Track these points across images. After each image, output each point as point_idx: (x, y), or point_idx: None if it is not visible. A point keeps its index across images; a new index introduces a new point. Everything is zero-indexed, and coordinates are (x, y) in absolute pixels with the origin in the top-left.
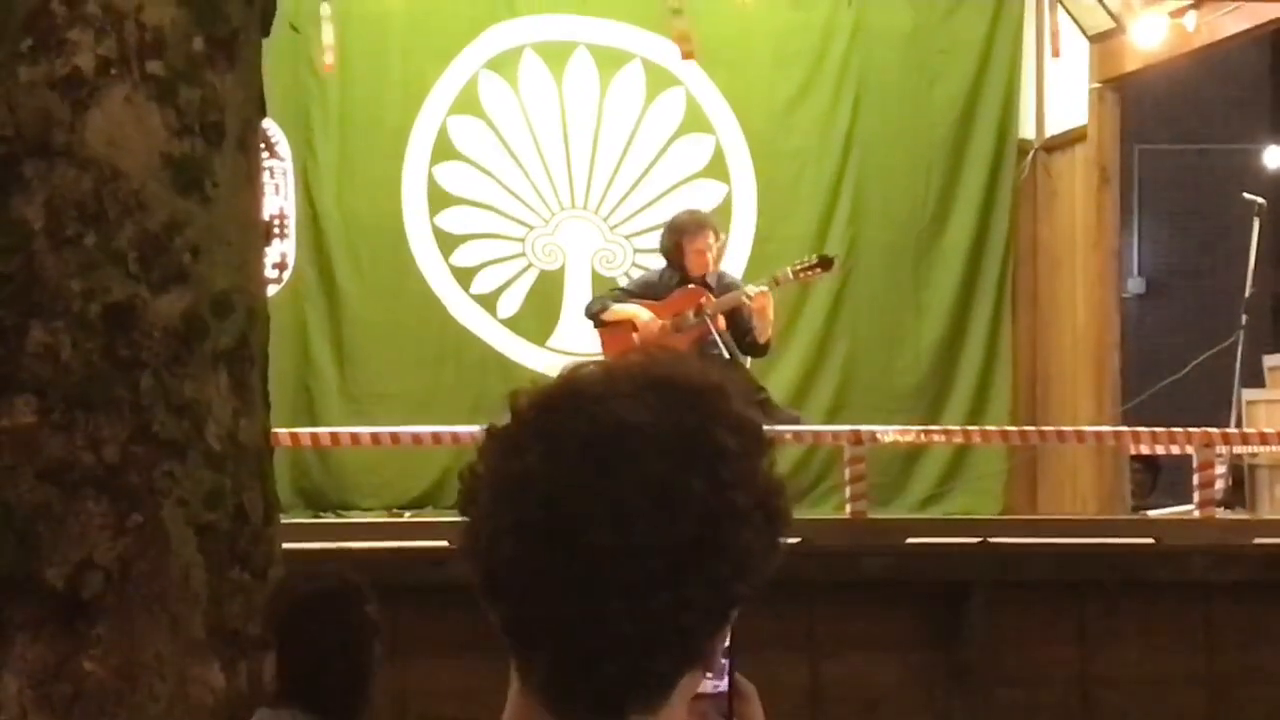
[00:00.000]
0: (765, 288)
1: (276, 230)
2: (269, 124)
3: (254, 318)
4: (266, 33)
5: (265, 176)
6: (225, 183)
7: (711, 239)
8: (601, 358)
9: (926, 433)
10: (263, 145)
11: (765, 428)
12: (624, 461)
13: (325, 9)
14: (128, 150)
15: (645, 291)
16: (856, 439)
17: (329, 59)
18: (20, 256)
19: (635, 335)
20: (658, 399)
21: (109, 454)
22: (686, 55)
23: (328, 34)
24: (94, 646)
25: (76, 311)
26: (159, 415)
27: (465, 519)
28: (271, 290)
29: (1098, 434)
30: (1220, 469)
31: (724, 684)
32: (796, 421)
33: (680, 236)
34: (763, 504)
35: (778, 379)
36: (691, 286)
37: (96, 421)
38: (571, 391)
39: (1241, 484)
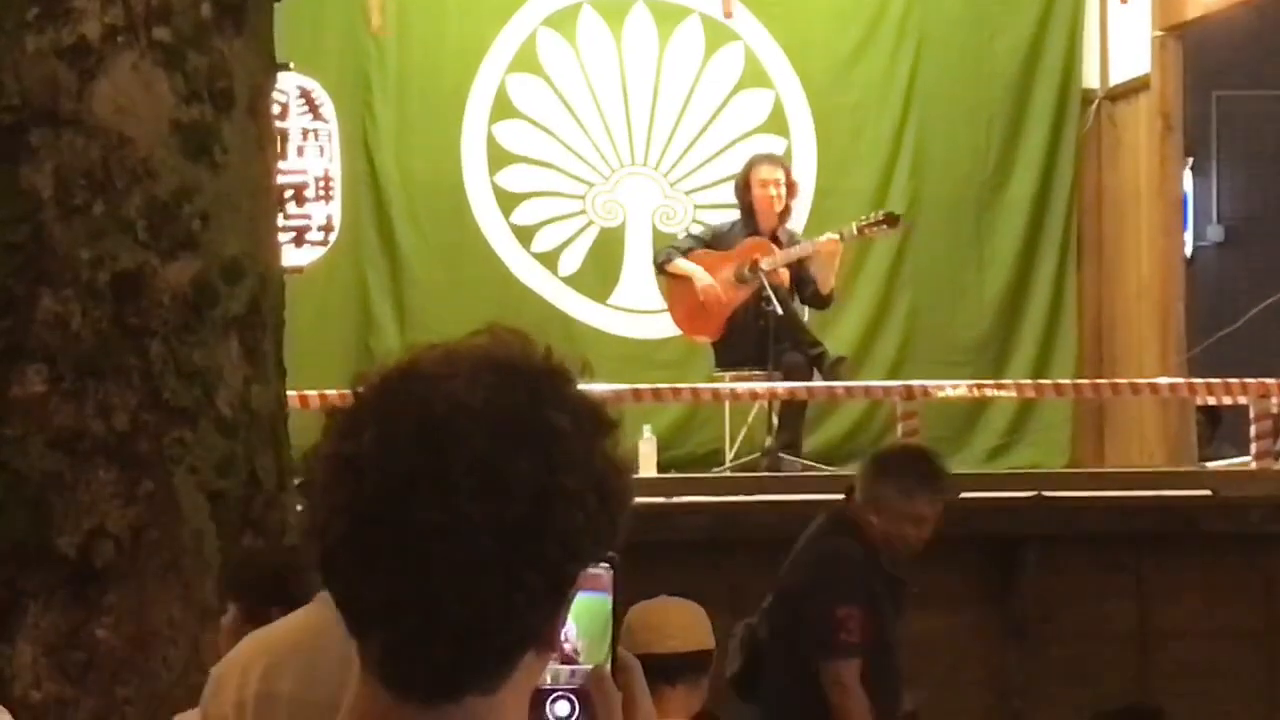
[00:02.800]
0: (837, 236)
1: (322, 193)
2: (314, 86)
3: (266, 284)
4: None
5: (310, 139)
6: (235, 149)
7: (780, 175)
8: (662, 313)
9: (980, 387)
10: (307, 107)
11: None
12: (454, 442)
13: None
14: (136, 118)
15: (714, 242)
16: (909, 394)
17: (376, 21)
18: (29, 226)
19: (697, 290)
20: (494, 380)
21: (119, 422)
22: (727, 13)
23: None
24: (106, 614)
25: (86, 280)
26: (169, 383)
27: (304, 502)
28: (319, 253)
29: (1152, 385)
30: None
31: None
32: (843, 364)
33: (750, 169)
34: (597, 486)
35: (840, 334)
36: (756, 239)
37: (106, 389)
38: (408, 372)
39: None
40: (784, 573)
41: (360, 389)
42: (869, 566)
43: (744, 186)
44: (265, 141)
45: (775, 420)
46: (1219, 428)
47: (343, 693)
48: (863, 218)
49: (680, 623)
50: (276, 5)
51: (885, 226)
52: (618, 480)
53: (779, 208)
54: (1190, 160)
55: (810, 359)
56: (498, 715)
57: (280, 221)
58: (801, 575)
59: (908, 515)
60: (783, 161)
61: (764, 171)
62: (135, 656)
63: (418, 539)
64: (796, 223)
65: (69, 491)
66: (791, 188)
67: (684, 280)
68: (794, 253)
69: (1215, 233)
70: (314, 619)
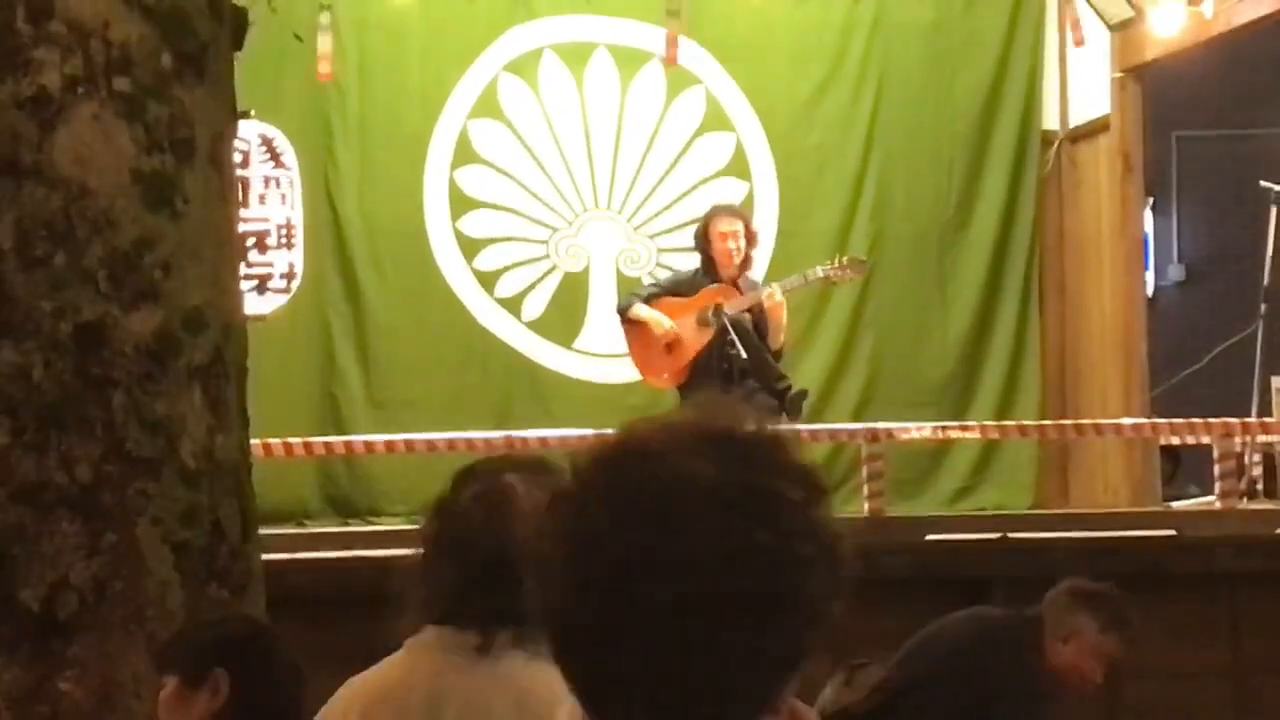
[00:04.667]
0: (777, 292)
1: (284, 240)
2: (276, 134)
3: (229, 333)
4: (239, 46)
5: (272, 186)
6: (196, 198)
7: (740, 227)
8: (627, 357)
9: (944, 429)
10: (268, 155)
11: (789, 428)
12: (689, 517)
13: (324, 18)
14: (96, 168)
15: (675, 289)
16: (873, 437)
17: (324, 68)
18: None
19: (657, 334)
20: (717, 453)
21: (82, 473)
22: (670, 60)
23: (324, 43)
24: (70, 667)
25: (47, 331)
26: (132, 433)
27: (534, 582)
28: (282, 300)
29: (1117, 426)
30: (1255, 457)
31: None
32: (802, 397)
33: (709, 220)
34: (826, 552)
35: (804, 375)
36: (718, 286)
37: (69, 441)
38: (633, 449)
39: (1274, 473)
40: (944, 654)
41: (581, 467)
42: (1047, 691)
43: (704, 237)
44: (227, 190)
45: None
46: (1180, 467)
47: None
48: (829, 262)
49: None
50: (237, 54)
51: (850, 272)
52: (841, 544)
53: (737, 259)
54: (1151, 200)
55: (779, 396)
56: None
57: (243, 270)
58: (990, 679)
59: (1099, 651)
60: (742, 212)
61: (723, 224)
62: (100, 709)
63: (657, 615)
64: (760, 264)
65: (32, 544)
66: (751, 238)
67: (644, 327)
68: (750, 299)
69: (1176, 272)
70: (403, 666)
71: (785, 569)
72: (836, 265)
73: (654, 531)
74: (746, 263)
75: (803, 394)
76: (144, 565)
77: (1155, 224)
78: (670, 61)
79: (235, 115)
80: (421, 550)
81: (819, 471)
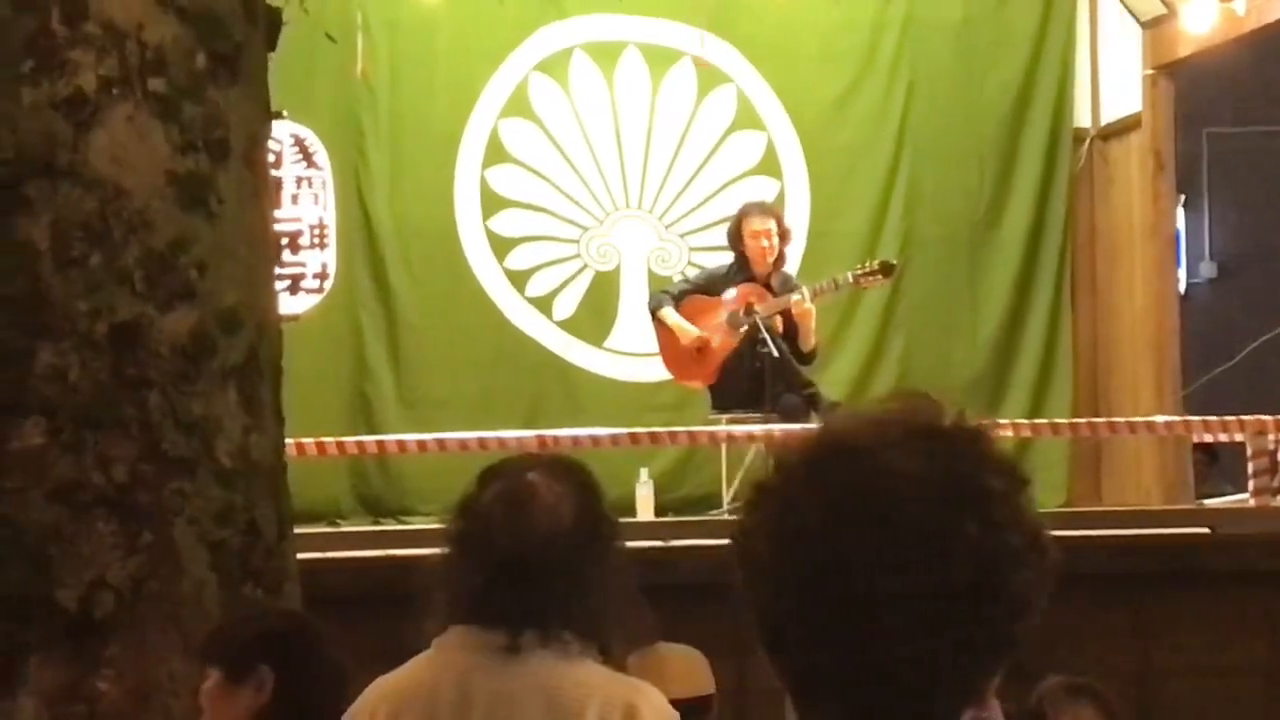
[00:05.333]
0: (806, 298)
1: (317, 240)
2: (308, 134)
3: (264, 332)
4: (272, 47)
5: (304, 187)
6: (231, 198)
7: (772, 225)
8: (658, 356)
9: None
10: (301, 155)
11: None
12: (900, 510)
13: (359, 17)
14: (131, 169)
15: (708, 286)
16: None
17: (361, 65)
18: (25, 278)
19: (683, 344)
20: (925, 447)
21: (118, 473)
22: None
23: (360, 42)
24: (107, 666)
25: (83, 332)
26: (168, 433)
27: (743, 578)
28: (315, 300)
29: (1149, 424)
30: None
31: None
32: (837, 409)
33: (741, 218)
34: (1032, 542)
35: (834, 375)
36: (749, 285)
37: (105, 441)
38: (840, 444)
39: None
40: None
41: (785, 463)
42: None
43: (736, 235)
44: (262, 190)
45: (772, 462)
46: (1216, 464)
47: None
48: (858, 266)
49: (680, 669)
50: (270, 54)
51: (880, 276)
52: (1046, 535)
53: (771, 257)
54: (1182, 197)
55: (806, 400)
56: None
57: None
58: None
59: None
60: (775, 209)
61: (755, 222)
62: (136, 709)
63: (871, 608)
64: (791, 265)
65: (68, 544)
66: (784, 235)
67: (672, 329)
68: (781, 302)
69: (1208, 269)
70: (430, 666)
71: (995, 560)
72: (866, 270)
73: (865, 526)
74: (780, 260)
75: (835, 405)
76: (180, 565)
77: (1186, 221)
78: (702, 66)
79: (269, 115)
80: (446, 550)
81: (1020, 464)
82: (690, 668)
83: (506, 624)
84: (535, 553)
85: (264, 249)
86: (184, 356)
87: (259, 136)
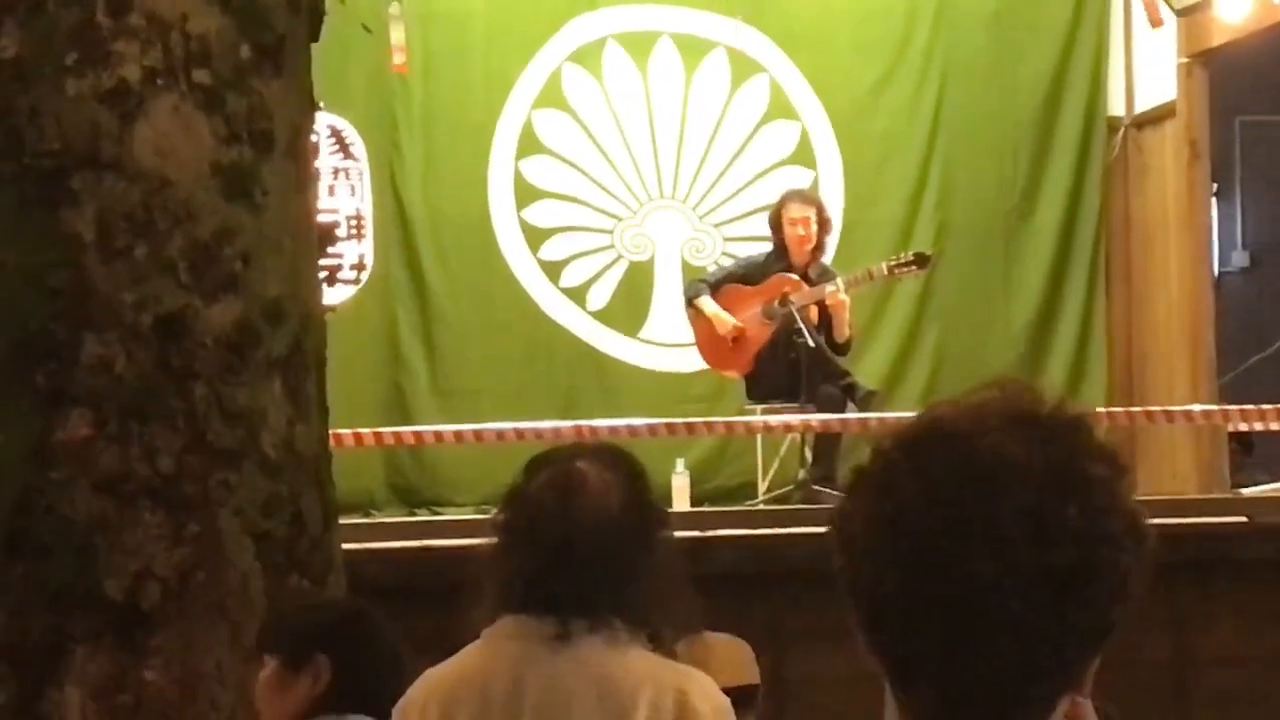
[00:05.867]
0: (841, 289)
1: (354, 231)
2: (345, 125)
3: (308, 324)
4: (315, 38)
5: (341, 178)
6: (275, 190)
7: (811, 214)
8: (692, 346)
9: None
10: (338, 146)
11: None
12: (1001, 494)
13: (394, 8)
14: (176, 160)
15: (746, 274)
16: None
17: (398, 59)
18: (71, 270)
19: (720, 333)
20: (1024, 433)
21: (164, 465)
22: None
23: (397, 34)
24: (154, 657)
25: (129, 323)
26: (213, 425)
27: (842, 561)
28: (351, 291)
29: (1187, 413)
30: None
31: None
32: (874, 398)
33: (781, 206)
34: (1132, 528)
35: (869, 365)
36: (785, 275)
37: (151, 432)
38: (939, 430)
39: None
40: None
41: (884, 449)
42: None
43: (776, 223)
44: (304, 182)
45: (809, 453)
46: (1250, 454)
47: None
48: (892, 258)
49: (725, 658)
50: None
51: (915, 268)
52: (1144, 520)
53: (808, 246)
54: (1215, 186)
55: (842, 391)
56: None
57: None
58: None
59: None
60: (815, 198)
61: (794, 210)
62: (183, 699)
63: (972, 590)
64: (827, 255)
65: (115, 535)
66: (824, 224)
67: (709, 318)
68: (816, 293)
69: (1240, 258)
70: (482, 656)
71: (1095, 544)
72: (901, 260)
73: (967, 510)
74: (819, 249)
75: (873, 394)
76: (226, 555)
77: (1219, 210)
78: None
79: (313, 107)
80: (495, 539)
81: (1119, 450)
82: (736, 657)
83: (556, 612)
84: (584, 539)
85: (307, 241)
86: (229, 348)
87: (302, 128)
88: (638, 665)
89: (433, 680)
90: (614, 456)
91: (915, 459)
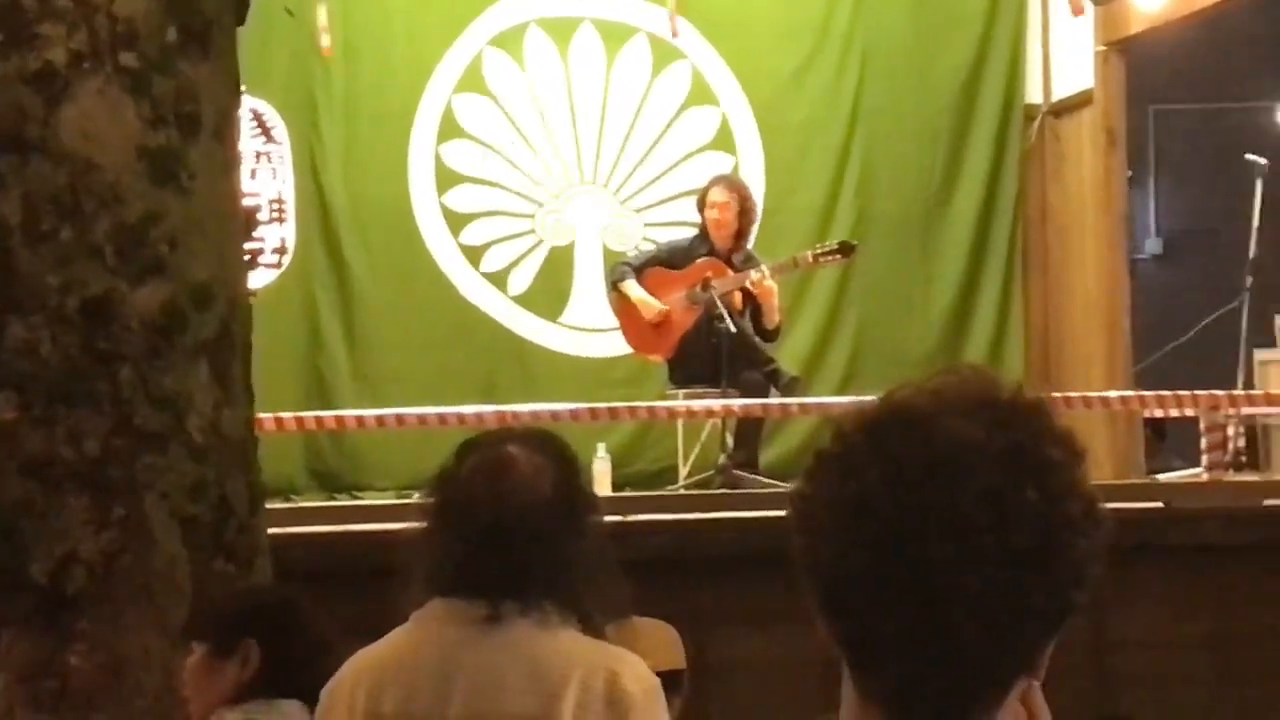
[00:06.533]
0: (767, 275)
1: (275, 214)
2: (267, 109)
3: (235, 308)
4: (241, 21)
5: (263, 161)
6: (202, 173)
7: (732, 200)
8: (613, 331)
9: None
10: (259, 130)
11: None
12: (961, 477)
13: None
14: (102, 143)
15: (671, 258)
16: None
17: (325, 41)
18: None
19: (645, 317)
20: (985, 416)
21: (90, 448)
22: (674, 33)
23: (321, 17)
24: (79, 641)
25: (54, 306)
26: (140, 408)
27: (801, 542)
28: (273, 275)
29: (1104, 399)
30: (1232, 430)
31: None
32: (797, 383)
33: (705, 189)
34: (1089, 512)
35: (790, 350)
36: (709, 259)
37: (77, 416)
38: (900, 413)
39: (1255, 444)
40: None
41: (844, 431)
42: None
43: (699, 204)
44: (231, 165)
45: (730, 438)
46: (1164, 441)
47: (440, 706)
48: (817, 246)
49: (652, 642)
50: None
51: (839, 256)
52: (1100, 505)
53: (725, 232)
54: (1129, 174)
55: (765, 376)
56: None
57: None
58: None
59: None
60: (740, 185)
61: (714, 194)
62: (109, 683)
63: (932, 573)
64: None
65: (40, 518)
66: (747, 212)
67: (634, 302)
68: (738, 279)
69: (1154, 245)
70: (412, 638)
71: (1055, 528)
72: (825, 249)
73: (926, 492)
74: (740, 236)
75: (795, 380)
76: (152, 539)
77: (1133, 197)
78: (674, 33)
79: (239, 90)
80: (424, 523)
81: (1076, 435)
82: (663, 641)
83: (486, 594)
84: (514, 522)
85: (233, 224)
86: (155, 331)
87: (229, 111)
88: (568, 647)
89: (361, 662)
90: (544, 441)
91: (876, 441)
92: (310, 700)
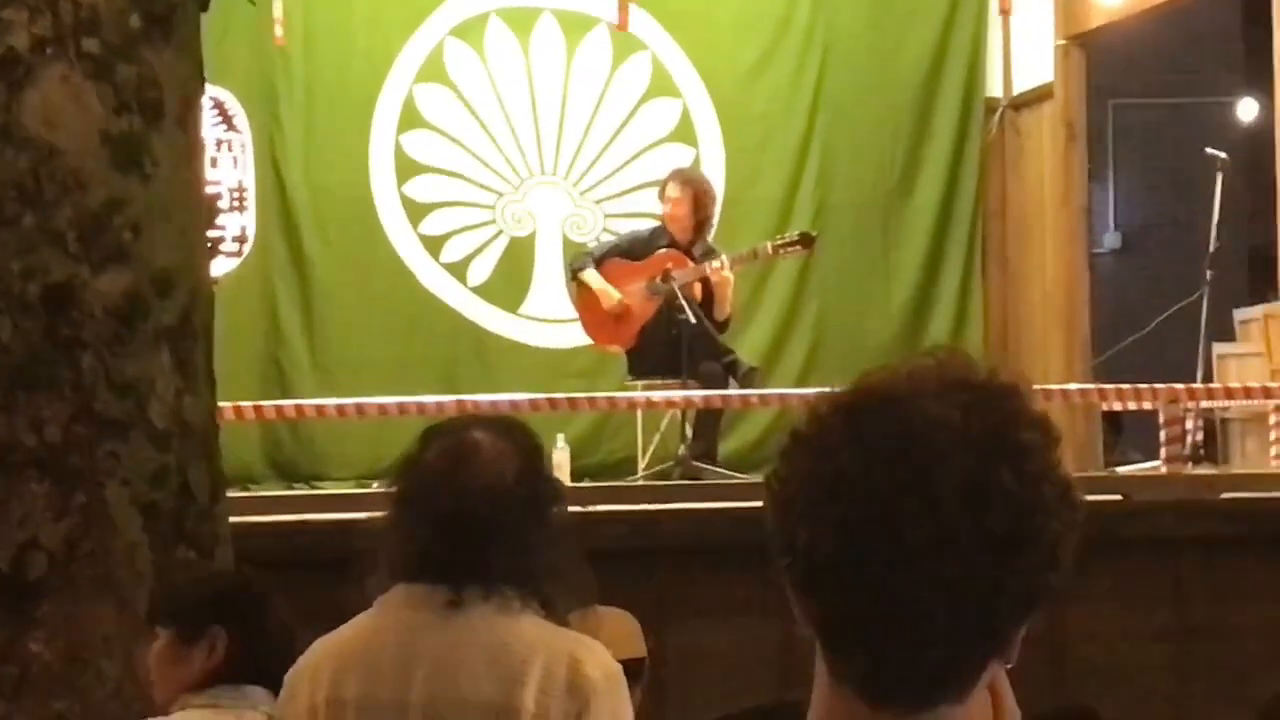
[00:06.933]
0: (726, 266)
1: (236, 203)
2: (227, 97)
3: (197, 295)
4: (205, 8)
5: (224, 150)
6: (165, 160)
7: (686, 195)
8: (573, 322)
9: None
10: (220, 118)
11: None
12: (937, 459)
13: None
14: (65, 129)
15: (631, 249)
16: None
17: (279, 31)
18: None
19: (604, 307)
20: (961, 398)
21: (51, 435)
22: (621, 25)
23: (277, 8)
24: (40, 628)
25: (16, 292)
26: (101, 395)
27: (775, 523)
28: (234, 263)
29: (1063, 391)
30: (1191, 423)
31: None
32: (755, 374)
33: (664, 182)
34: (1064, 495)
35: (749, 341)
36: (669, 251)
37: (38, 402)
38: (876, 394)
39: (1214, 437)
40: None
41: (820, 413)
42: None
43: (659, 195)
44: (194, 152)
45: (689, 429)
46: (1121, 434)
47: (402, 691)
48: (777, 238)
49: (614, 631)
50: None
51: (799, 248)
52: (1076, 489)
53: (681, 225)
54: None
55: (724, 368)
56: None
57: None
58: None
59: None
60: (697, 179)
61: (670, 188)
62: (69, 670)
63: (907, 554)
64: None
65: (1, 505)
66: (701, 207)
67: (594, 294)
68: (698, 270)
69: (1112, 240)
70: (374, 624)
71: (1030, 510)
72: (785, 240)
73: (902, 473)
74: (700, 229)
75: (754, 370)
76: (113, 526)
77: (1091, 192)
78: (621, 26)
79: (202, 78)
80: (388, 509)
81: (1050, 421)
82: (625, 630)
83: (449, 580)
84: (477, 507)
85: (196, 212)
86: (117, 318)
87: (192, 98)
88: (530, 632)
89: (324, 649)
90: (509, 427)
91: (852, 423)
92: (274, 686)
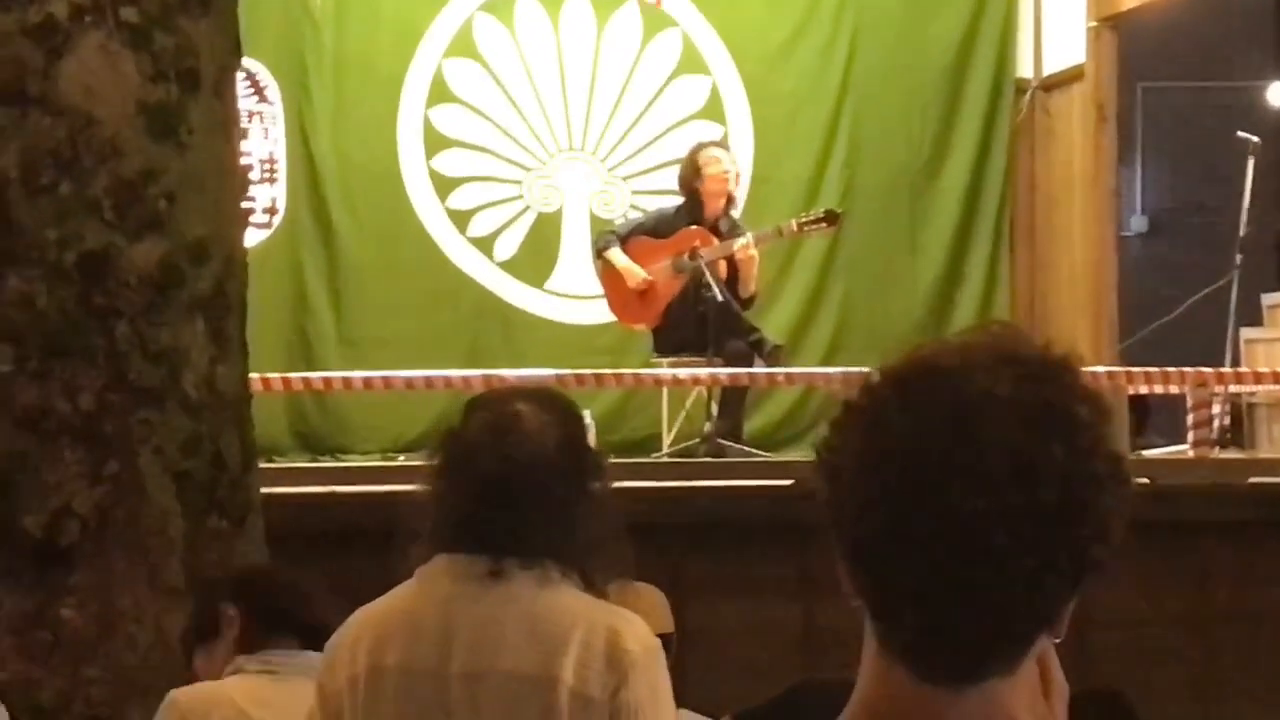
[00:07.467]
0: (752, 244)
1: (267, 175)
2: (259, 68)
3: (231, 265)
4: None
5: (255, 121)
6: (201, 129)
7: (733, 167)
8: (599, 299)
9: None
10: (252, 89)
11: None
12: (989, 431)
13: None
14: (102, 98)
15: (656, 227)
16: (848, 381)
17: (316, 1)
18: None
19: (630, 285)
20: (1012, 371)
21: (85, 402)
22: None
23: None
24: (72, 594)
25: (52, 260)
26: (135, 363)
27: (827, 493)
28: (263, 235)
29: (1091, 374)
30: (1217, 408)
31: None
32: (780, 351)
33: (699, 159)
34: (1114, 470)
35: (775, 320)
36: (695, 228)
37: (72, 370)
38: (928, 366)
39: (1240, 422)
40: None
41: (872, 384)
42: None
43: (692, 175)
44: (230, 123)
45: (714, 407)
46: (1149, 418)
47: (441, 660)
48: (802, 215)
49: (647, 605)
50: None
51: (824, 225)
52: (1126, 464)
53: (722, 201)
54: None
55: (749, 345)
56: (1014, 696)
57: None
58: None
59: None
60: (730, 151)
61: (713, 166)
62: (100, 636)
63: (956, 525)
64: (736, 210)
65: (35, 471)
66: (736, 176)
67: (619, 271)
68: (725, 247)
69: (1139, 223)
70: (414, 594)
71: (1079, 484)
72: (811, 217)
73: (953, 445)
74: (730, 202)
75: (779, 348)
76: (146, 494)
77: (1119, 175)
78: (655, 4)
79: (238, 48)
80: (430, 480)
81: (1103, 396)
82: (654, 604)
83: (489, 550)
84: (519, 477)
85: (231, 181)
86: (152, 287)
87: (228, 68)
88: (570, 604)
89: (364, 617)
90: (552, 399)
91: (903, 395)
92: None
